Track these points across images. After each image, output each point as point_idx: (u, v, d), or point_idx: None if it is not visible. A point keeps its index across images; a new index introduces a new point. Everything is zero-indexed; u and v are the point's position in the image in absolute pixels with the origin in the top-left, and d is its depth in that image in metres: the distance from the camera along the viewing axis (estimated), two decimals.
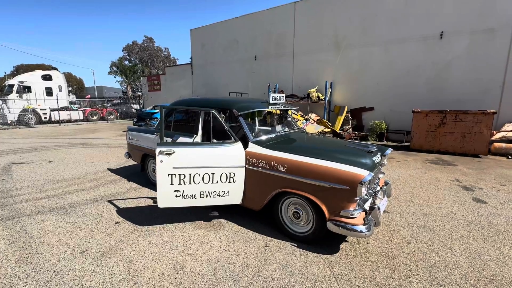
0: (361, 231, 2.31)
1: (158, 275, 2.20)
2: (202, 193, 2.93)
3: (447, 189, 4.48)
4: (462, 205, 3.77)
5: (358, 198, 2.30)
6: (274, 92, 12.53)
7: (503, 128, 8.07)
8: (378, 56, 10.35)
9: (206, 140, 3.80)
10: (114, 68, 37.55)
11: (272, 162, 2.74)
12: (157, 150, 2.82)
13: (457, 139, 7.50)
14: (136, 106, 21.00)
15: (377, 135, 10.03)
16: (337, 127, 10.45)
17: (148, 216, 3.32)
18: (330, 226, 2.41)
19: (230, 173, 2.93)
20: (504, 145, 7.48)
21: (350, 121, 10.92)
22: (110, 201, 3.78)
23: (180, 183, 2.87)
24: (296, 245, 2.67)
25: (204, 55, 16.12)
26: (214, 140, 3.06)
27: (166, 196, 2.87)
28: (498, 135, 7.83)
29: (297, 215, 2.72)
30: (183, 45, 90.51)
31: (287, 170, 2.64)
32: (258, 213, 3.31)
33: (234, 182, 2.95)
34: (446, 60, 9.09)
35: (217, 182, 2.93)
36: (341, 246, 2.66)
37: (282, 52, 12.87)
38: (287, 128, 3.81)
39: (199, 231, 2.96)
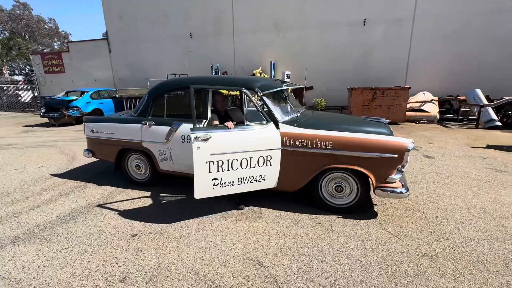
0: (402, 193, 2.62)
1: (244, 277, 1.95)
2: (240, 179, 2.69)
3: None
4: (421, 161, 4.73)
5: (403, 164, 2.58)
6: (216, 73, 12.00)
7: (409, 100, 10.30)
8: (315, 38, 11.19)
9: (209, 124, 3.39)
10: None
11: (315, 141, 2.72)
12: (192, 135, 2.42)
13: (384, 110, 9.14)
14: (29, 94, 16.22)
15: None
16: None
17: (164, 217, 2.80)
18: (378, 193, 2.64)
19: (267, 156, 2.75)
20: (412, 113, 9.59)
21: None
22: (101, 210, 2.95)
23: (218, 171, 2.56)
24: (341, 216, 2.81)
25: (124, 29, 13.64)
26: (247, 123, 2.76)
27: (203, 186, 2.56)
28: (406, 106, 9.97)
29: (340, 188, 2.84)
30: (80, 18, 73.44)
31: (332, 146, 2.67)
32: (280, 193, 3.26)
33: (271, 165, 2.79)
34: (369, 44, 10.69)
35: (254, 167, 2.72)
36: (375, 209, 2.97)
37: (221, 30, 12.24)
38: (294, 107, 3.78)
39: (241, 223, 2.70)
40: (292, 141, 2.78)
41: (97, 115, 10.59)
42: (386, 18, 10.24)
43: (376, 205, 3.07)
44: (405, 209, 2.96)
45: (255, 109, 3.38)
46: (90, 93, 10.48)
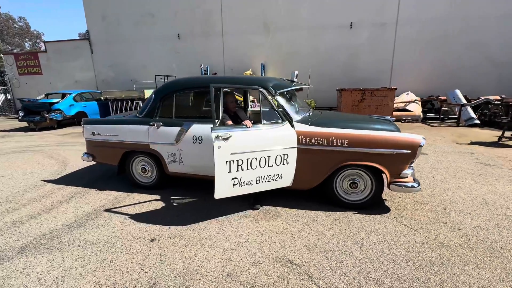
0: (415, 187, 2.73)
1: (278, 276, 1.93)
2: (258, 178, 2.68)
3: None
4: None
5: (415, 159, 2.69)
6: (206, 74, 11.89)
7: (394, 101, 10.76)
8: (304, 41, 11.41)
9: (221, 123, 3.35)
10: None
11: (330, 138, 2.76)
12: (213, 134, 2.40)
13: (372, 110, 9.47)
14: (0, 96, 15.11)
15: None
16: None
17: (179, 220, 2.72)
18: (393, 188, 2.73)
19: (284, 155, 2.76)
20: (398, 113, 10.03)
21: None
22: (109, 215, 2.80)
23: (238, 170, 2.54)
24: (356, 212, 2.87)
25: (108, 30, 13.13)
26: (264, 122, 2.76)
27: (223, 186, 2.53)
28: (393, 106, 10.41)
29: (355, 185, 2.90)
30: (53, 17, 69.43)
31: (348, 144, 2.73)
32: (293, 192, 3.29)
33: (287, 163, 2.81)
34: (355, 47, 11.06)
35: (272, 165, 2.72)
36: (386, 204, 3.06)
37: (210, 31, 12.14)
38: (301, 107, 3.81)
39: (261, 223, 2.69)
40: (308, 139, 2.81)
41: (81, 118, 10.10)
42: (371, 22, 10.67)
43: (386, 200, 3.17)
44: (414, 203, 3.08)
45: (261, 108, 3.37)
46: (73, 95, 9.97)
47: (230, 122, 3.03)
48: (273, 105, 2.79)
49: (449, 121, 9.51)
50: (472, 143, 6.07)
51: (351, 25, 10.85)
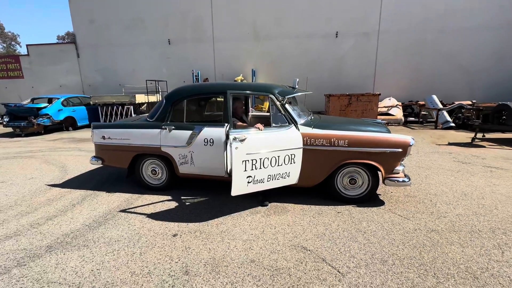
0: (406, 181, 3.10)
1: (296, 260, 2.19)
2: (269, 176, 2.94)
3: None
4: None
5: (406, 157, 3.06)
6: (197, 79, 12.05)
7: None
8: (292, 48, 11.89)
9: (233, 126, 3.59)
10: None
11: (332, 140, 3.08)
12: (231, 136, 2.67)
13: (359, 115, 10.03)
14: None
15: None
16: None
17: (195, 217, 2.91)
18: (388, 182, 3.08)
19: (291, 155, 3.04)
20: (381, 117, 10.66)
21: None
22: (126, 215, 2.93)
23: (252, 169, 2.79)
24: (355, 205, 3.19)
25: (96, 34, 12.98)
26: (274, 125, 3.03)
27: (239, 184, 2.76)
28: (377, 110, 11.07)
29: (354, 181, 3.23)
30: (30, 15, 66.31)
31: (348, 144, 3.06)
32: (296, 190, 3.57)
33: (294, 163, 3.09)
34: (341, 54, 11.69)
35: (281, 165, 2.99)
36: (381, 198, 3.41)
37: (201, 37, 12.35)
38: (302, 111, 4.12)
39: (272, 217, 2.94)
40: (312, 140, 3.11)
41: (69, 123, 9.91)
42: (355, 32, 11.34)
43: (380, 194, 3.53)
44: (404, 196, 3.46)
45: (261, 113, 3.68)
46: (61, 99, 9.77)
47: (241, 123, 3.28)
48: (280, 109, 3.07)
49: (428, 124, 10.27)
50: (449, 144, 6.68)
51: (336, 34, 11.48)
